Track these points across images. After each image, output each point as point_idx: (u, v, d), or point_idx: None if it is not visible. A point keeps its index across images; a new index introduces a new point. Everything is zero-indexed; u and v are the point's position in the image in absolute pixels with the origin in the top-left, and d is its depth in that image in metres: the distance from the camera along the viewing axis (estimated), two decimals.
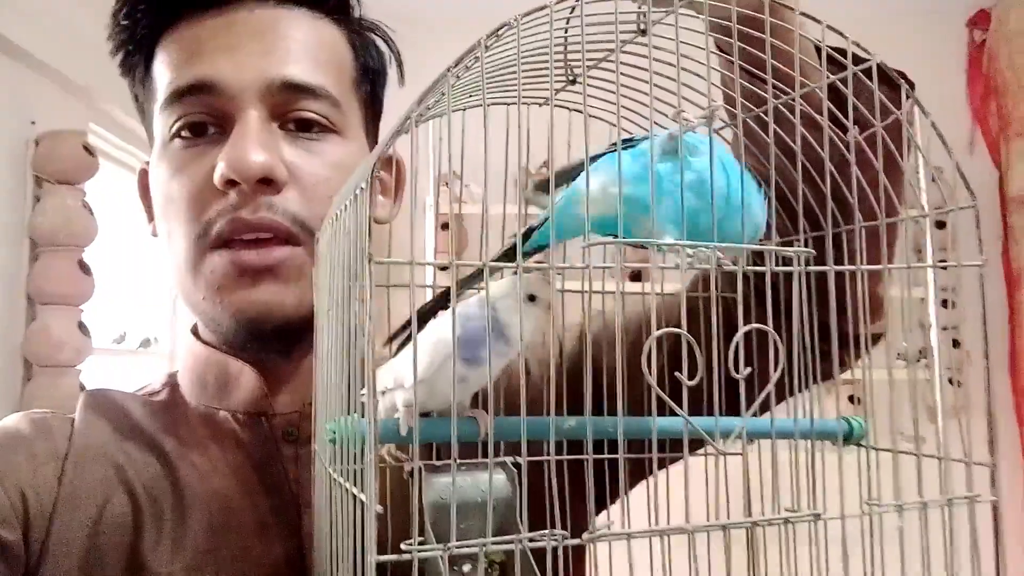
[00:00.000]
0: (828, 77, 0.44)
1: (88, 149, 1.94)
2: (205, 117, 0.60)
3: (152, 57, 0.63)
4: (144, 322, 2.34)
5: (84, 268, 1.94)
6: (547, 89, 0.55)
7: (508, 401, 0.47)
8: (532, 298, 0.41)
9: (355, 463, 0.34)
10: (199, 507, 0.59)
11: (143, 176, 0.68)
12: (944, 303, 2.61)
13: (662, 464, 0.53)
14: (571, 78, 0.55)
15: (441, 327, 0.40)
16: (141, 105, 0.66)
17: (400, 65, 0.70)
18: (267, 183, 0.58)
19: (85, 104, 2.03)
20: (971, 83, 2.66)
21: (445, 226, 2.68)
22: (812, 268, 0.40)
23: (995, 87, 2.56)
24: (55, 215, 1.91)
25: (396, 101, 0.69)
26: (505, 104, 0.56)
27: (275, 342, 0.62)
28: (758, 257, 0.40)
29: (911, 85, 0.47)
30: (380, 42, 0.69)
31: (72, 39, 1.92)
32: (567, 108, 0.56)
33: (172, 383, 0.68)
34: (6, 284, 1.87)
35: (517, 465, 0.40)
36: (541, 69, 0.51)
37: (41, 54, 1.87)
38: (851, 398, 2.18)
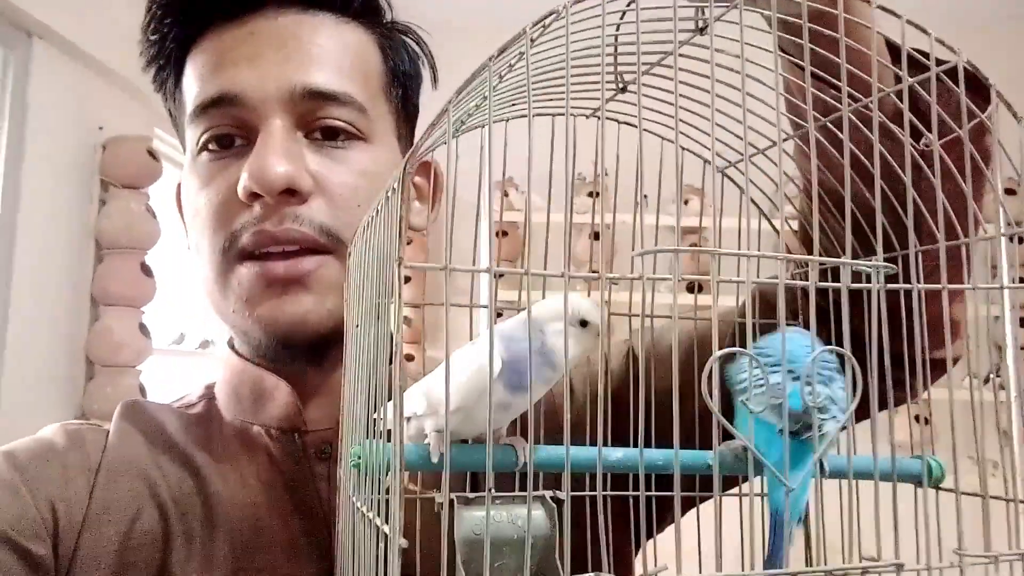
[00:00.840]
0: (906, 79, 0.40)
1: (152, 154, 1.98)
2: (231, 129, 0.59)
3: (182, 71, 0.63)
4: (203, 324, 2.38)
5: (146, 270, 1.98)
6: (594, 98, 0.51)
7: (548, 423, 0.44)
8: (583, 323, 0.38)
9: (380, 492, 0.31)
10: (230, 525, 0.58)
11: (179, 191, 0.67)
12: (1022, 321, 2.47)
13: (702, 501, 0.50)
14: (621, 85, 0.51)
15: (482, 349, 0.37)
16: (175, 120, 0.66)
17: (434, 68, 0.68)
18: (291, 194, 0.57)
19: (150, 110, 2.07)
20: None
21: (500, 234, 2.66)
22: (895, 286, 0.36)
23: None
24: (119, 218, 1.95)
25: (430, 105, 0.67)
26: (550, 115, 0.53)
27: (307, 354, 0.60)
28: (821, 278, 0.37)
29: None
30: (413, 45, 0.67)
31: (138, 46, 1.97)
32: (616, 120, 0.52)
33: (209, 395, 0.67)
34: (72, 285, 1.92)
35: (557, 500, 0.36)
36: (588, 75, 0.48)
37: (108, 61, 1.92)
38: (917, 418, 2.09)
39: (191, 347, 2.36)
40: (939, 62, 0.41)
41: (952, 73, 0.39)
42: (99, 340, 1.92)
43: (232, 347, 0.66)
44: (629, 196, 0.52)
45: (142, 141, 1.97)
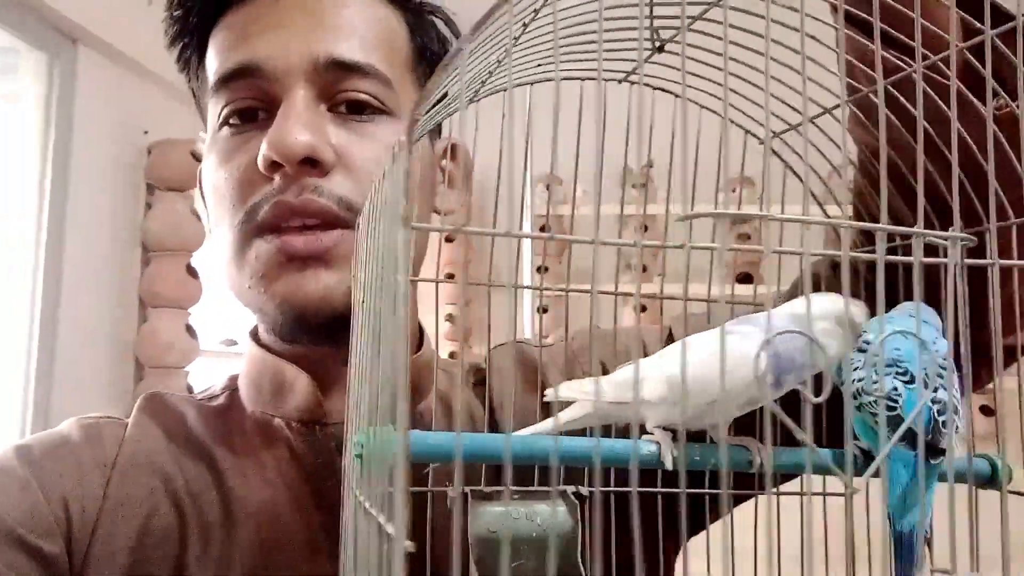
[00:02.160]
0: (989, 32, 0.35)
1: (197, 157, 1.99)
2: (253, 102, 0.57)
3: (205, 47, 0.61)
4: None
5: (192, 272, 2.00)
6: (625, 60, 0.47)
7: None
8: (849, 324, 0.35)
9: (386, 484, 0.28)
10: (248, 522, 0.56)
11: (200, 173, 0.66)
12: None
13: (739, 501, 0.46)
14: (658, 44, 0.47)
15: (743, 342, 0.34)
16: (197, 99, 0.65)
17: (457, 37, 0.66)
18: (312, 164, 0.55)
19: (194, 113, 2.09)
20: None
21: (543, 228, 2.63)
22: (973, 262, 0.32)
23: None
24: (165, 221, 1.97)
25: None
26: (578, 79, 0.49)
27: (327, 335, 0.58)
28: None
29: None
30: (441, 26, 0.65)
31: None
32: (651, 86, 0.48)
33: (233, 387, 0.65)
34: (121, 287, 1.94)
35: (579, 496, 0.33)
36: (620, 33, 0.44)
37: (152, 65, 1.94)
38: (982, 408, 2.00)
39: (242, 349, 2.37)
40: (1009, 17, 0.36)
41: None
42: (147, 341, 1.94)
43: (254, 338, 0.65)
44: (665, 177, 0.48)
45: (186, 144, 1.99)
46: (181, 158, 1.98)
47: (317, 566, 0.55)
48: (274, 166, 0.54)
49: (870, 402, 0.35)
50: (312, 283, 0.55)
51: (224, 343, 2.36)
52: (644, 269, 2.41)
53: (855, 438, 0.30)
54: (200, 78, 0.62)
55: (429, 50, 0.64)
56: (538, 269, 2.54)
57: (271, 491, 0.57)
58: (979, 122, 0.36)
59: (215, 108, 0.59)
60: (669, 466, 0.32)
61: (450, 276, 2.68)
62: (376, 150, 0.57)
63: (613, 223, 2.64)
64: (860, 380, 0.36)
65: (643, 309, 2.24)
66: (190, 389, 1.99)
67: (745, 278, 2.25)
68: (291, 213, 0.55)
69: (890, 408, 0.33)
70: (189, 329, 2.00)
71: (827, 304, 0.36)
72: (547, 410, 0.63)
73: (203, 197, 0.65)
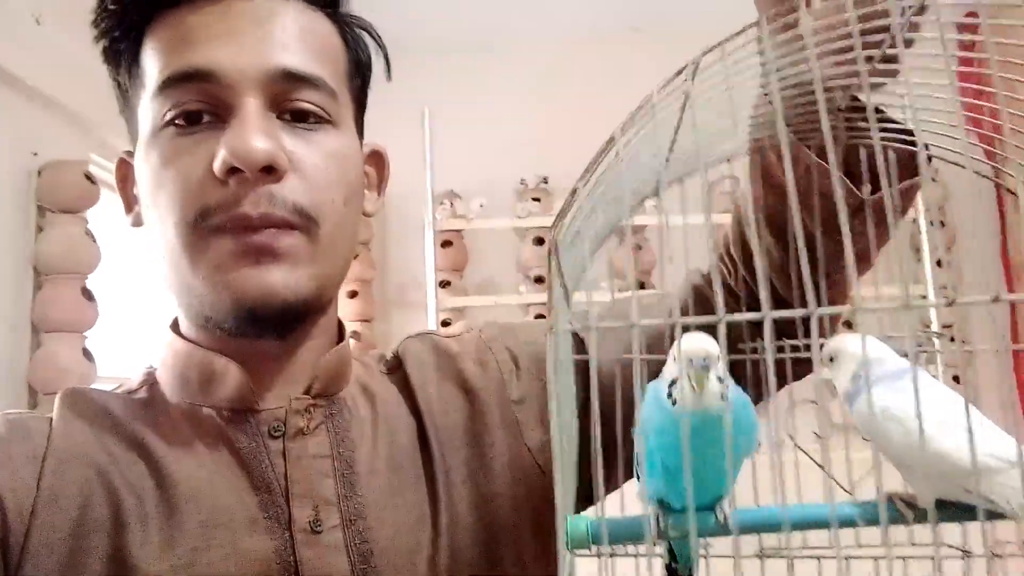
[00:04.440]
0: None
1: (90, 178, 1.97)
2: (201, 105, 0.59)
3: (140, 43, 0.61)
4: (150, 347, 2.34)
5: (88, 295, 1.96)
6: None
7: None
8: None
9: None
10: (186, 505, 0.58)
11: (122, 166, 0.67)
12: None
13: None
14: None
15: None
16: (125, 92, 0.64)
17: (387, 59, 0.70)
18: (269, 171, 0.57)
19: (85, 134, 2.05)
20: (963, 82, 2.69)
21: (445, 244, 2.69)
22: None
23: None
24: (59, 243, 1.93)
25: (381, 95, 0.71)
26: None
27: (273, 327, 0.61)
28: None
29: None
30: (367, 38, 0.69)
31: (71, 71, 1.96)
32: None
33: (151, 381, 0.66)
34: (11, 313, 1.88)
35: None
36: None
37: (42, 86, 1.91)
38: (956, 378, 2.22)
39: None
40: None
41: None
42: (42, 367, 1.89)
43: (175, 331, 0.66)
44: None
45: (78, 165, 1.96)
46: (73, 179, 1.95)
47: (257, 539, 0.58)
48: (232, 171, 0.56)
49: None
50: (268, 276, 0.58)
51: None
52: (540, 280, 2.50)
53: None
54: (132, 73, 0.62)
55: (362, 63, 0.68)
56: (440, 284, 2.60)
57: (207, 474, 0.59)
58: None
59: (159, 107, 0.59)
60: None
61: (353, 293, 2.69)
62: (322, 156, 0.60)
63: (511, 235, 2.73)
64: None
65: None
66: None
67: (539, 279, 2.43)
68: (249, 224, 0.57)
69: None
70: (86, 353, 1.95)
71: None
72: (467, 396, 0.70)
73: (123, 191, 0.67)
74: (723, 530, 0.38)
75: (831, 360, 0.41)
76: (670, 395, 0.38)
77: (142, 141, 0.62)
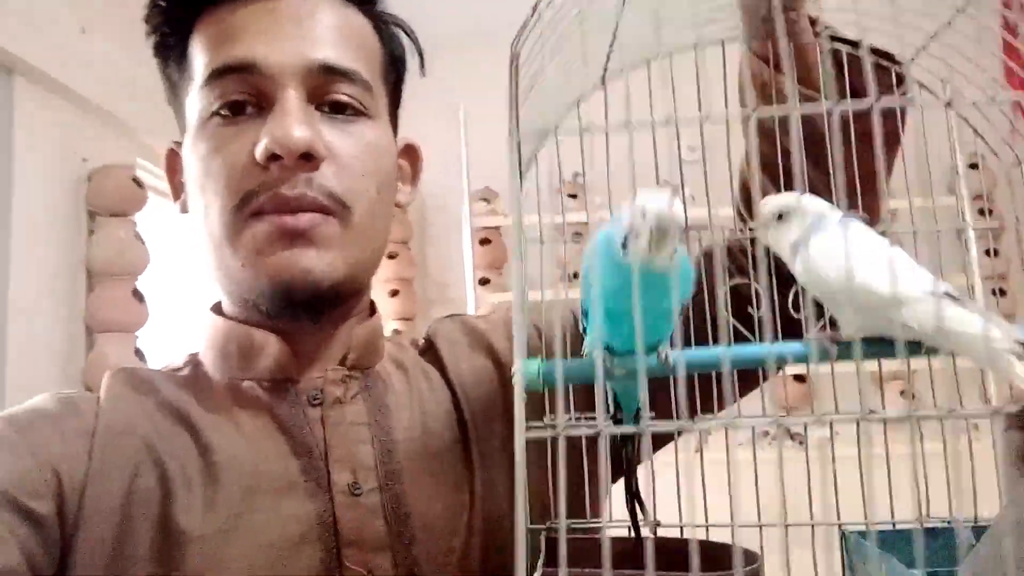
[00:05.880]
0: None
1: (137, 182, 2.02)
2: (245, 96, 0.62)
3: (188, 39, 0.65)
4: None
5: (138, 296, 2.02)
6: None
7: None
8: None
9: None
10: (229, 471, 0.60)
11: (171, 156, 0.70)
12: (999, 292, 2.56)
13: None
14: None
15: None
16: (174, 85, 0.68)
17: (421, 56, 0.73)
18: (307, 159, 0.60)
19: (131, 140, 2.11)
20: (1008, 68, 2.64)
21: (483, 241, 2.69)
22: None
23: None
24: (109, 246, 1.99)
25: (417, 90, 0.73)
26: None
27: (307, 309, 0.63)
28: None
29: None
30: (402, 35, 0.72)
31: (117, 79, 2.02)
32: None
33: (194, 361, 0.69)
34: (66, 314, 1.94)
35: None
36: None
37: (89, 94, 1.96)
38: (903, 393, 2.15)
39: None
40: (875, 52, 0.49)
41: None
42: (96, 367, 1.95)
43: (217, 312, 0.69)
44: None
45: (126, 170, 2.02)
46: (121, 183, 2.01)
47: (298, 502, 0.60)
48: (273, 158, 0.60)
49: None
50: (303, 259, 0.61)
51: None
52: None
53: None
54: (181, 67, 0.66)
55: (397, 58, 0.71)
56: (480, 281, 2.62)
57: (248, 442, 0.62)
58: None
59: (205, 98, 0.63)
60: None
61: (394, 292, 2.72)
62: (358, 146, 0.64)
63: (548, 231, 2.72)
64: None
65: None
66: None
67: (576, 275, 2.44)
68: (286, 205, 0.60)
69: None
70: (138, 352, 2.01)
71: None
72: (498, 368, 0.71)
73: (172, 180, 0.71)
74: (664, 369, 0.41)
75: (779, 218, 0.43)
76: (624, 246, 0.40)
77: (190, 131, 0.65)
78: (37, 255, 1.86)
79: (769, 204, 0.42)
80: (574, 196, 2.39)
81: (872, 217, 0.64)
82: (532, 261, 0.42)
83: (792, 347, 0.39)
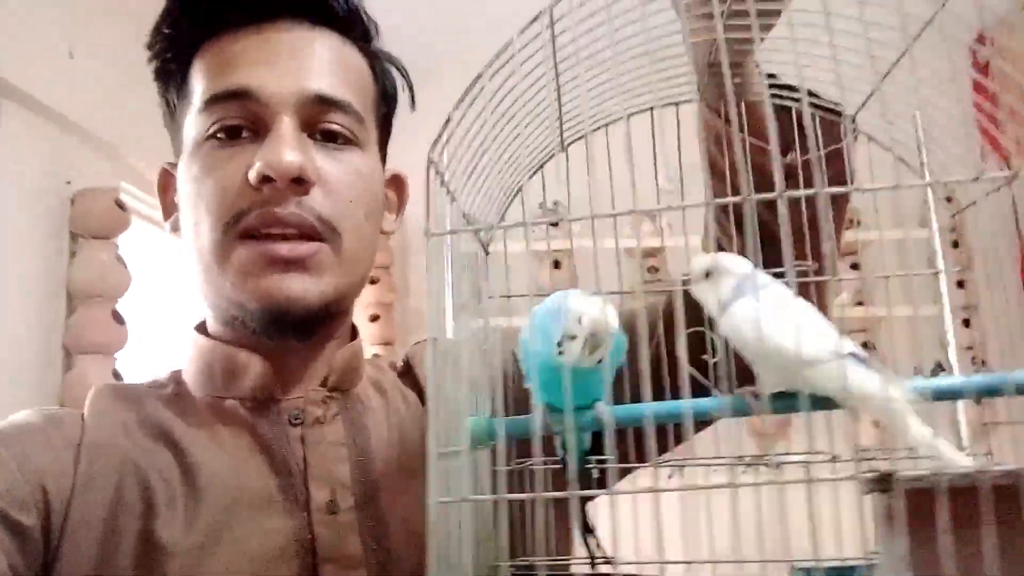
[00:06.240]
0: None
1: (120, 205, 2.03)
2: (241, 121, 0.65)
3: (190, 65, 0.68)
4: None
5: (118, 318, 2.02)
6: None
7: None
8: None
9: None
10: (210, 488, 0.62)
11: (165, 176, 0.73)
12: (965, 322, 2.60)
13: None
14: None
15: None
16: (172, 109, 0.71)
17: (412, 92, 0.76)
18: (299, 183, 0.63)
19: (116, 164, 2.12)
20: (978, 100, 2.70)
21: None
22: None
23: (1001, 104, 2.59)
24: (90, 268, 1.99)
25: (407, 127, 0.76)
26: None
27: (296, 331, 0.65)
28: None
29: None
30: (394, 72, 0.75)
31: (103, 102, 2.04)
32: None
33: (177, 378, 0.71)
34: (44, 335, 1.95)
35: None
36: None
37: (75, 117, 1.98)
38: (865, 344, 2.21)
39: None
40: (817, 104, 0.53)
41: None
42: (74, 387, 1.95)
43: (201, 332, 0.71)
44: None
45: (109, 193, 2.03)
46: (105, 206, 2.02)
47: (278, 521, 0.62)
48: (265, 180, 0.62)
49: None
50: (293, 284, 0.63)
51: None
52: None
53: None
54: (181, 92, 0.69)
55: (388, 94, 0.74)
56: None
57: (229, 460, 0.64)
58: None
59: (203, 122, 0.65)
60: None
61: (375, 317, 2.73)
62: (348, 174, 0.66)
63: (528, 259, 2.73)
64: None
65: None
66: None
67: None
68: (276, 221, 0.63)
69: None
70: (116, 375, 2.01)
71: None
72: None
73: (164, 200, 0.73)
74: (598, 424, 0.44)
75: (707, 275, 0.46)
76: (560, 350, 0.43)
77: (185, 152, 0.68)
78: (17, 274, 1.87)
79: (698, 262, 0.45)
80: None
81: (821, 264, 0.67)
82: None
83: (710, 402, 0.42)
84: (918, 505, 0.31)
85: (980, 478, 0.29)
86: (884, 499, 0.32)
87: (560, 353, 0.42)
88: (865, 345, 2.58)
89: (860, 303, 2.43)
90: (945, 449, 0.34)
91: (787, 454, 0.51)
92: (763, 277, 0.43)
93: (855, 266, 2.48)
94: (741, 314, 0.42)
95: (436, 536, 0.37)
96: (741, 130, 0.58)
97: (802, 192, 0.41)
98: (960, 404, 0.44)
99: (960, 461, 0.33)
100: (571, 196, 0.48)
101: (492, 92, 0.43)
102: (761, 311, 0.40)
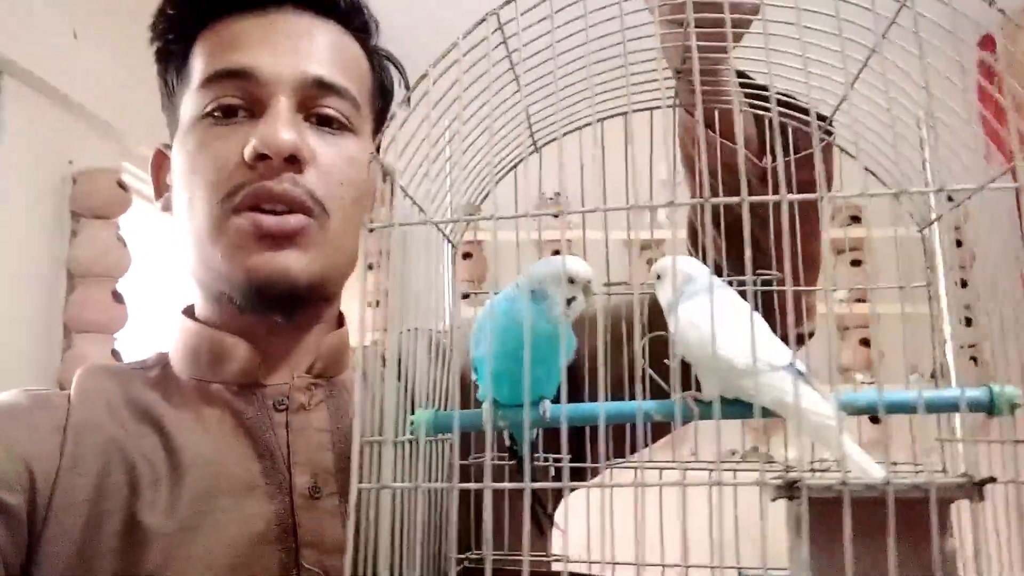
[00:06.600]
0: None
1: (122, 185, 2.04)
2: (238, 100, 0.66)
3: (191, 46, 0.69)
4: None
5: (118, 298, 2.04)
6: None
7: None
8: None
9: None
10: (194, 470, 0.62)
11: (158, 157, 0.74)
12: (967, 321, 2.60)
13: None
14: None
15: None
16: (171, 90, 0.72)
17: (408, 87, 0.76)
18: (293, 161, 0.64)
19: (118, 144, 2.13)
20: (984, 102, 2.68)
21: (464, 255, 2.71)
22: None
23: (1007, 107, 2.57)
24: (91, 248, 2.01)
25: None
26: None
27: (282, 307, 0.66)
28: None
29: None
30: (391, 68, 0.76)
31: (105, 83, 2.04)
32: None
33: (164, 361, 0.71)
34: (44, 314, 1.97)
35: None
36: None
37: (78, 98, 1.99)
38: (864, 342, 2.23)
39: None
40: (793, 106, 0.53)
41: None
42: (73, 366, 1.96)
43: (189, 315, 0.71)
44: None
45: (112, 173, 2.04)
46: (106, 186, 2.03)
47: (260, 505, 0.62)
48: (261, 157, 0.63)
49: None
50: (282, 258, 0.64)
51: None
52: None
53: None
54: (180, 72, 0.70)
55: (385, 88, 0.76)
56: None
57: (213, 444, 0.64)
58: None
59: (200, 100, 0.66)
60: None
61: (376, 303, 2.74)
62: (340, 157, 0.67)
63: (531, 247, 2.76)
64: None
65: None
66: None
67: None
68: (269, 197, 0.64)
69: None
70: (115, 354, 2.03)
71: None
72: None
73: (156, 180, 0.74)
74: (543, 421, 0.45)
75: (658, 277, 0.47)
76: (546, 308, 0.45)
77: (181, 130, 0.69)
78: (18, 253, 1.89)
79: (657, 264, 0.46)
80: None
81: (796, 266, 0.67)
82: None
83: (659, 404, 0.43)
84: (826, 514, 0.31)
85: (886, 489, 0.30)
86: (793, 506, 0.33)
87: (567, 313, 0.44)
88: (864, 343, 2.57)
89: (860, 300, 2.42)
90: (863, 461, 0.34)
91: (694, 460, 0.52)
92: (708, 281, 0.43)
93: (856, 263, 2.47)
94: (684, 318, 0.43)
95: (356, 521, 0.37)
96: (713, 133, 0.58)
97: (769, 198, 0.41)
98: (910, 419, 0.44)
99: (875, 473, 0.34)
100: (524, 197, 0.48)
101: (443, 91, 0.43)
102: (701, 316, 0.41)
